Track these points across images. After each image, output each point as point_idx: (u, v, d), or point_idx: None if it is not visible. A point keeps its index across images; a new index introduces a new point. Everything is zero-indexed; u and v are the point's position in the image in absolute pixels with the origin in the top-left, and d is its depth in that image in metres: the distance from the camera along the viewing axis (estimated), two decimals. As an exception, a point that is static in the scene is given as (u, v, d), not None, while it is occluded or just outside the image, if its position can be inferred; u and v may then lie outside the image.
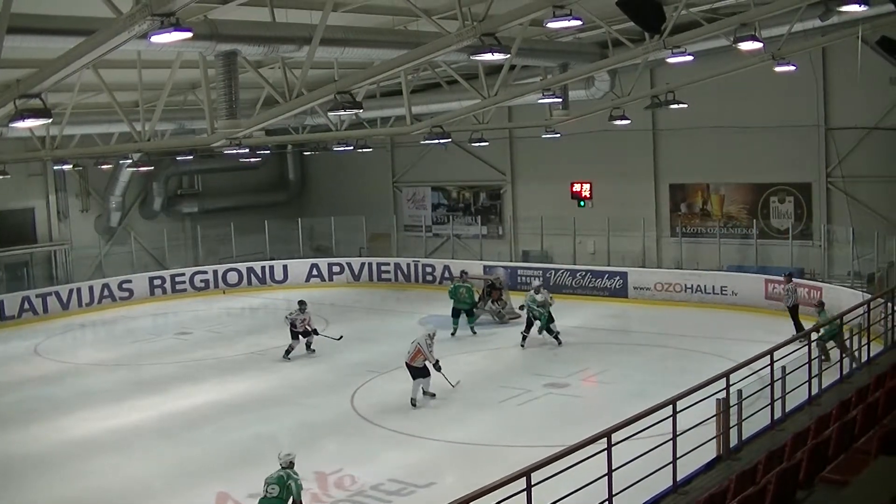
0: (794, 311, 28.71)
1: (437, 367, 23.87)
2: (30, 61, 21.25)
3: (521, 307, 30.90)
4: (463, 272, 34.07)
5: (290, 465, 15.77)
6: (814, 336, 18.46)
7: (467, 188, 46.21)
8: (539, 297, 29.52)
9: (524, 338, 29.65)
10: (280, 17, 19.16)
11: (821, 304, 25.37)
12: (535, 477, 11.04)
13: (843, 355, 19.34)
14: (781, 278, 30.47)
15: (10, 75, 19.30)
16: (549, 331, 29.42)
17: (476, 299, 32.76)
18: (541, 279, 35.88)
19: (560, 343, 29.33)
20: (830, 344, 21.05)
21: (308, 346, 30.00)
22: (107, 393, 26.69)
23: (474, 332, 31.91)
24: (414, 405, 23.49)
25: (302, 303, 30.52)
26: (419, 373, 23.74)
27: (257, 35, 19.34)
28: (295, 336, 29.72)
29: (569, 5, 15.67)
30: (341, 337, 29.92)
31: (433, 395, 24.11)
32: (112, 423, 23.42)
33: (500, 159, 44.18)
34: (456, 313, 32.06)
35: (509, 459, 16.04)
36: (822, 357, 20.26)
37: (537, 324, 29.41)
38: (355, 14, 22.48)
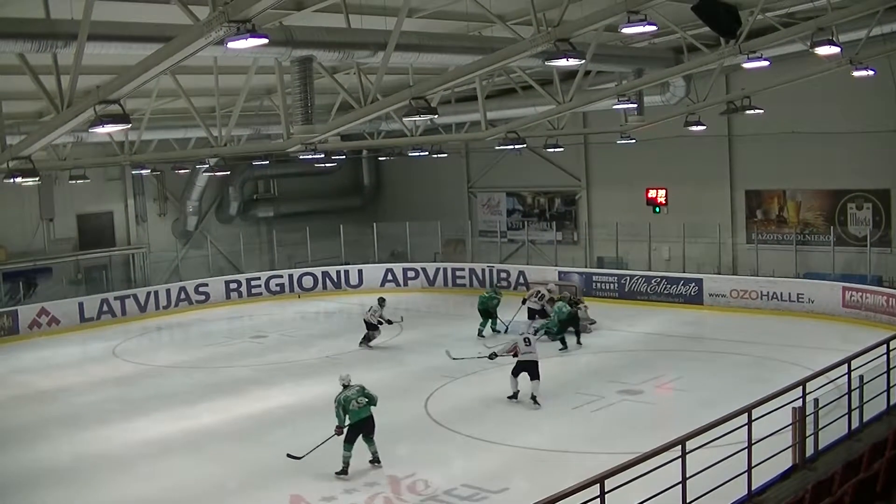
0: None
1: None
2: (109, 68, 21.58)
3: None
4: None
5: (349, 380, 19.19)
6: None
7: (542, 194, 46.09)
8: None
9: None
10: (355, 22, 19.24)
11: None
12: (609, 484, 10.99)
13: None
14: (859, 286, 30.03)
15: (90, 82, 19.54)
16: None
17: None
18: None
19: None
20: None
21: (369, 339, 30.91)
22: (182, 395, 26.92)
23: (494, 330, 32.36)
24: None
25: (382, 299, 31.52)
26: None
27: (332, 41, 19.44)
28: (370, 327, 30.80)
29: (643, 10, 15.60)
30: (402, 318, 30.05)
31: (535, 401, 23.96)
32: (186, 424, 23.61)
33: (575, 165, 44.03)
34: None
35: (582, 466, 15.93)
36: None
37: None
38: (430, 20, 22.53)
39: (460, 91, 34.02)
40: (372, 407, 19.12)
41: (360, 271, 45.00)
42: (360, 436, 19.15)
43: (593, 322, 32.76)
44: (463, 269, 43.60)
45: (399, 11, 17.37)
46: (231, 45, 12.23)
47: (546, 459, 19.68)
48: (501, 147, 32.17)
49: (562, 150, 37.77)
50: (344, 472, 18.91)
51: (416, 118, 23.18)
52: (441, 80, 21.23)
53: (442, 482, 18.29)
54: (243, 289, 43.84)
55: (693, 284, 36.63)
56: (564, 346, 29.65)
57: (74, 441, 22.89)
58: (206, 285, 43.10)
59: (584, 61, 19.68)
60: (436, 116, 22.62)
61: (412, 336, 31.69)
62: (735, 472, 13.00)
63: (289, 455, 19.71)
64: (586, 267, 41.22)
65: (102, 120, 15.07)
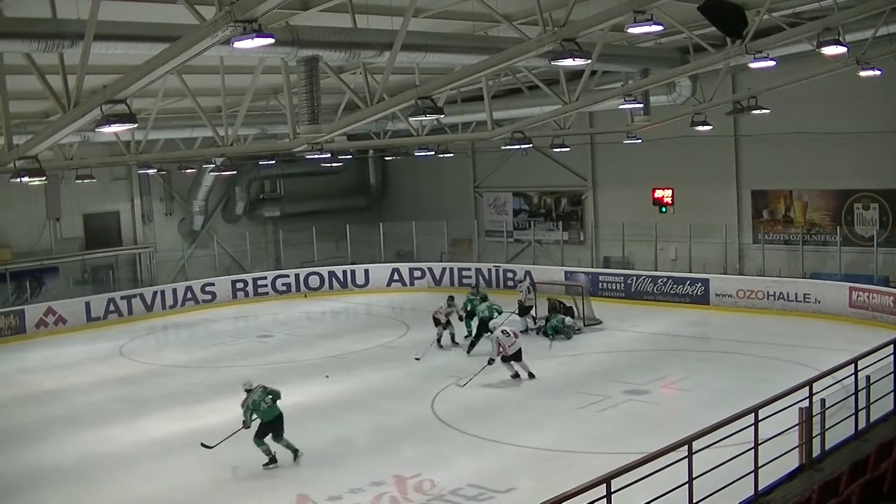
0: None
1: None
2: (115, 67, 21.56)
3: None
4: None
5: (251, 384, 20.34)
6: None
7: (548, 194, 46.06)
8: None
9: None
10: (361, 22, 19.25)
11: None
12: (615, 484, 10.99)
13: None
14: (865, 286, 30.00)
15: (97, 81, 19.59)
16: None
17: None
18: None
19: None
20: None
21: (439, 339, 30.86)
22: (187, 394, 27.00)
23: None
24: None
25: (451, 298, 31.83)
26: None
27: (338, 41, 19.43)
28: (437, 323, 30.86)
29: (649, 10, 15.60)
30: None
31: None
32: (190, 424, 23.60)
33: (582, 165, 44.01)
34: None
35: (589, 466, 15.94)
36: None
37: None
38: (436, 20, 22.52)
39: (466, 91, 34.03)
40: (279, 401, 20.27)
41: (366, 271, 45.02)
42: (270, 435, 20.03)
43: (599, 322, 32.80)
44: (469, 269, 43.53)
45: (405, 11, 17.38)
46: (237, 44, 12.23)
47: (552, 459, 19.68)
48: (508, 147, 32.16)
49: (568, 149, 37.69)
50: (272, 461, 19.99)
51: (423, 118, 23.18)
52: (447, 79, 21.23)
53: (448, 482, 18.30)
54: (249, 288, 43.93)
55: (699, 284, 36.60)
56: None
57: (78, 440, 23.01)
58: (213, 285, 43.19)
59: (590, 61, 19.71)
60: (442, 116, 22.62)
61: (418, 336, 31.67)
62: (742, 473, 13.00)
63: (202, 444, 20.52)
64: (592, 267, 41.18)
65: (109, 119, 15.09)
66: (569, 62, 17.09)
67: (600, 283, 38.84)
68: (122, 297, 40.46)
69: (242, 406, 20.14)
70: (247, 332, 36.90)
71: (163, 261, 45.56)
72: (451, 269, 43.95)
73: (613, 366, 27.96)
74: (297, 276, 44.72)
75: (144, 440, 22.69)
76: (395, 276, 44.77)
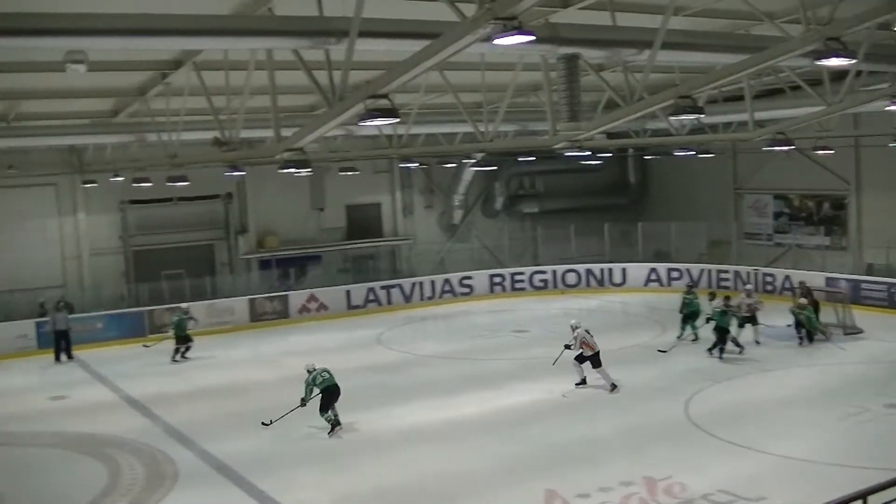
0: None
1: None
2: (379, 63, 22.11)
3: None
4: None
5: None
6: None
7: (810, 197, 44.72)
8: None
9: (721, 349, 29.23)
10: (621, 20, 19.13)
11: None
12: (872, 501, 10.64)
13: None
14: None
15: (361, 77, 20.11)
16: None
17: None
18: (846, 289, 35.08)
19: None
20: None
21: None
22: (442, 384, 27.49)
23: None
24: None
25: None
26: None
27: (598, 38, 19.36)
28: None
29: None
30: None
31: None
32: (444, 414, 24.12)
33: (845, 168, 42.39)
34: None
35: (844, 479, 15.51)
36: None
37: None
38: (696, 18, 22.21)
39: (727, 90, 33.45)
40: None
41: (623, 270, 44.84)
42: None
43: (860, 331, 31.77)
44: (727, 271, 42.73)
45: (665, 9, 17.22)
46: (497, 41, 12.33)
47: (806, 470, 19.13)
48: (769, 148, 31.46)
49: (832, 152, 36.57)
50: (332, 429, 22.78)
51: (683, 117, 22.93)
52: (708, 79, 20.92)
53: (699, 486, 18.06)
54: (507, 283, 44.41)
55: (974, 294, 34.87)
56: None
57: (338, 424, 23.72)
58: (471, 278, 43.88)
59: (855, 61, 19.09)
60: (702, 116, 22.35)
61: (673, 337, 31.33)
62: None
63: (263, 423, 23.23)
64: (854, 274, 39.77)
65: (372, 114, 15.45)
66: (833, 62, 16.61)
67: (862, 291, 37.43)
68: (381, 287, 41.61)
69: (304, 383, 23.14)
70: (503, 326, 37.18)
71: (422, 253, 46.54)
72: (710, 271, 43.23)
73: (875, 377, 26.89)
74: (554, 272, 44.94)
75: (399, 428, 23.26)
76: (653, 276, 44.40)
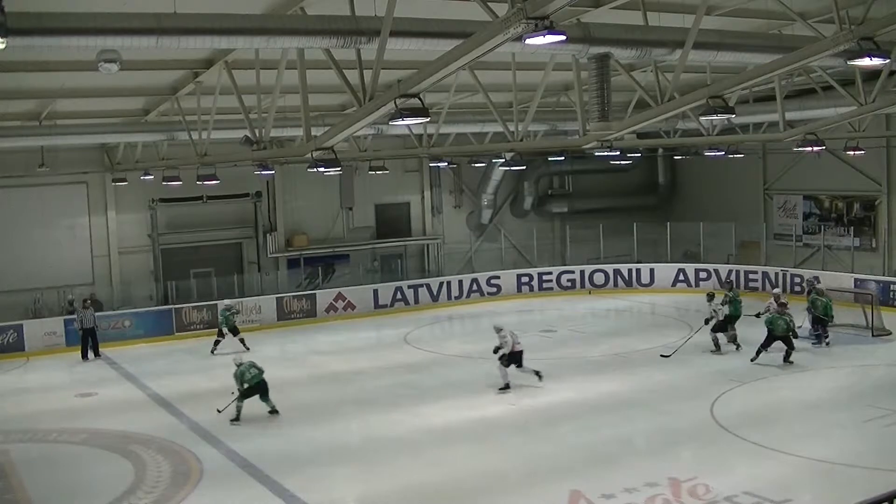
0: None
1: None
2: (409, 62, 22.20)
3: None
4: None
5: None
6: None
7: (840, 198, 44.44)
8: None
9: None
10: (653, 20, 19.11)
11: None
12: (900, 504, 10.61)
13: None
14: None
15: (392, 76, 20.14)
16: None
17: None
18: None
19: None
20: None
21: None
22: (469, 384, 27.46)
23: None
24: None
25: (710, 295, 31.64)
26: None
27: (629, 38, 19.33)
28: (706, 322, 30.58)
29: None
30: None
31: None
32: (472, 413, 24.11)
33: (876, 169, 42.11)
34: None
35: (871, 483, 15.41)
36: None
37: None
38: (728, 17, 22.17)
39: (758, 90, 33.34)
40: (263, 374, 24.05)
41: (651, 270, 44.69)
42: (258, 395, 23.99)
43: (888, 332, 31.56)
44: (756, 272, 42.54)
45: (697, 9, 17.20)
46: (529, 41, 12.32)
47: (833, 473, 19.01)
48: (800, 149, 31.32)
49: (863, 153, 36.38)
50: (237, 419, 23.73)
51: (713, 117, 22.84)
52: (739, 79, 20.86)
53: (723, 488, 17.97)
54: (535, 283, 44.35)
55: None
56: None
57: (364, 422, 23.89)
58: (498, 278, 43.86)
59: (888, 61, 18.99)
60: (733, 116, 22.25)
61: (700, 338, 31.20)
62: None
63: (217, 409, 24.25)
64: (884, 275, 39.50)
65: (402, 113, 15.48)
66: (866, 62, 16.50)
67: (892, 293, 37.24)
68: (409, 287, 41.63)
69: (234, 376, 24.06)
70: (531, 326, 37.00)
71: (450, 252, 46.59)
72: (739, 272, 43.02)
73: (904, 380, 26.85)
74: (582, 272, 44.81)
75: (427, 427, 23.28)
76: (681, 277, 44.21)
